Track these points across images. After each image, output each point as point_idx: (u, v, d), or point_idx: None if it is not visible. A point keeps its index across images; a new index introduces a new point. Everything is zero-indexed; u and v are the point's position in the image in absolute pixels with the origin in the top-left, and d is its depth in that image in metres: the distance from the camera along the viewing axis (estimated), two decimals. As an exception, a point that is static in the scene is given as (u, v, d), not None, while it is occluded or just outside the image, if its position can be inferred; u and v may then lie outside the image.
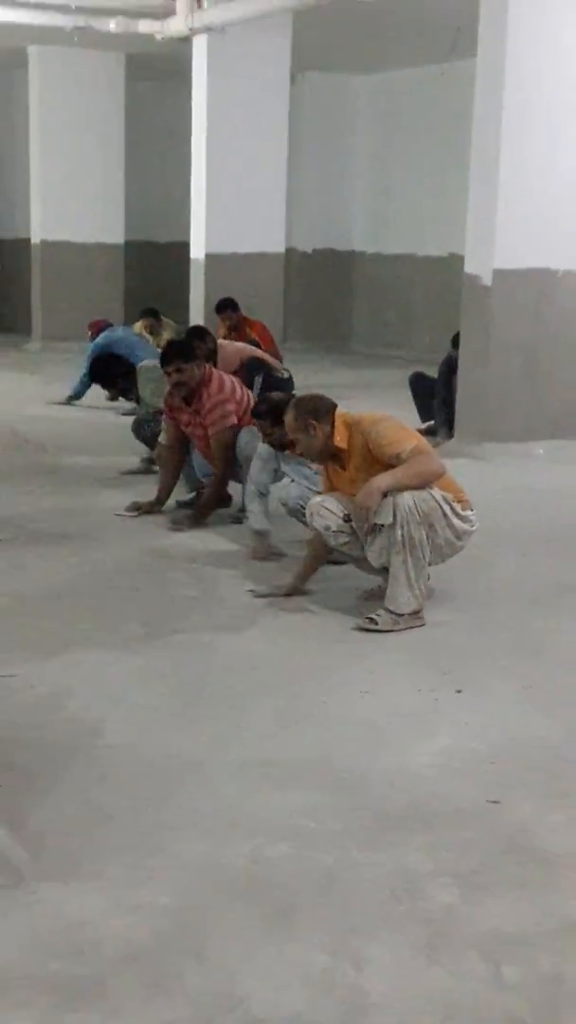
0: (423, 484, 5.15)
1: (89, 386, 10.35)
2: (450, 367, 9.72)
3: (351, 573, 5.71)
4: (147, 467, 8.17)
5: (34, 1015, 2.65)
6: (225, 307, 11.20)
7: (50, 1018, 2.64)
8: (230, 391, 6.90)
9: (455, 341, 9.80)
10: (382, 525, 5.12)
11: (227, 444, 6.84)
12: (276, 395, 6.56)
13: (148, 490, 7.37)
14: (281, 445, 6.12)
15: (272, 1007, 2.70)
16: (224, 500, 7.09)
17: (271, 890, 3.18)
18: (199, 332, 9.05)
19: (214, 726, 4.23)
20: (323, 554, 5.59)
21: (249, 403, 6.93)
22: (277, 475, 6.35)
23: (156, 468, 7.83)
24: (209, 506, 6.98)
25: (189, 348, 7.17)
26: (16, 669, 4.60)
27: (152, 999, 2.72)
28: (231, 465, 6.90)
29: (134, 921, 3.01)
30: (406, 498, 5.08)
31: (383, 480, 5.07)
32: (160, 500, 7.22)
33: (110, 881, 3.20)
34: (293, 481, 6.23)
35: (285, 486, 6.33)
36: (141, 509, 7.13)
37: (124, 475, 8.18)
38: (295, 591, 5.60)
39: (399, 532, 5.09)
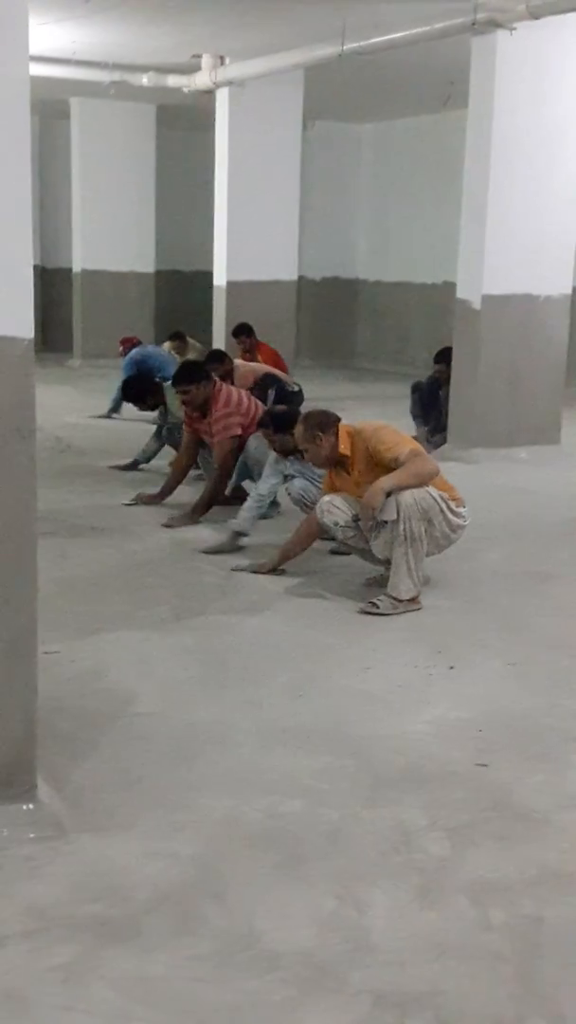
0: (421, 483, 5.15)
1: (123, 401, 10.36)
2: (435, 382, 9.71)
3: (355, 563, 5.71)
4: (133, 465, 8.29)
5: (75, 951, 2.65)
6: (241, 332, 11.13)
7: (89, 954, 2.64)
8: (235, 405, 6.88)
9: (438, 357, 9.81)
10: (386, 521, 5.12)
11: (227, 451, 6.84)
12: (279, 407, 6.58)
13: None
14: (284, 451, 6.11)
15: (285, 944, 2.70)
16: (218, 502, 6.94)
17: (284, 842, 3.18)
18: (218, 356, 9.05)
19: (235, 696, 4.22)
20: (306, 544, 5.64)
21: (257, 413, 6.89)
22: (287, 478, 6.30)
23: (143, 467, 8.19)
24: (203, 506, 6.86)
25: (195, 370, 7.15)
26: (58, 646, 4.59)
27: (180, 937, 2.72)
28: (229, 471, 6.91)
29: (163, 868, 3.01)
30: (407, 496, 5.09)
31: (386, 482, 5.08)
32: (163, 494, 7.26)
33: (142, 833, 3.19)
34: (298, 477, 6.21)
35: (291, 481, 6.30)
36: (142, 499, 7.22)
37: (111, 469, 8.33)
38: (274, 570, 5.66)
39: (401, 527, 5.09)
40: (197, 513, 6.84)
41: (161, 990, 2.52)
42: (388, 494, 5.07)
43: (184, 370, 7.26)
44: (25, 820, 3.12)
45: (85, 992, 2.50)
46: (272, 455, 6.28)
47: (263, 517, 6.52)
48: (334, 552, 5.87)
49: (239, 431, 6.83)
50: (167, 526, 6.73)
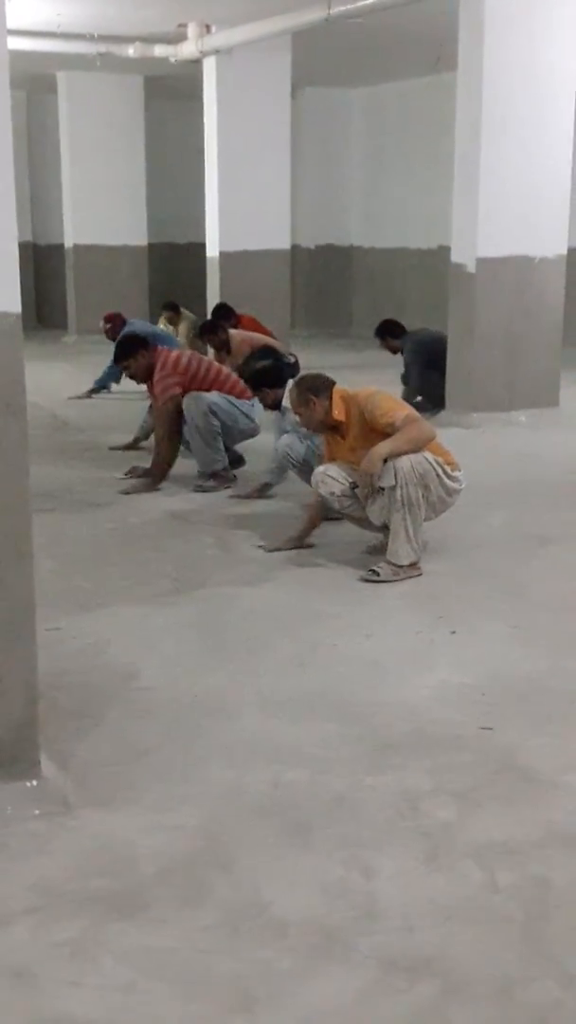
0: (418, 448, 5.13)
1: (112, 375, 10.29)
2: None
3: (355, 531, 5.69)
4: (134, 443, 8.19)
5: (82, 924, 2.65)
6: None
7: (96, 928, 2.64)
8: (171, 366, 6.97)
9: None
10: (383, 488, 5.11)
11: (167, 413, 6.95)
12: (260, 364, 6.65)
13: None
14: (268, 406, 6.45)
15: (292, 912, 2.70)
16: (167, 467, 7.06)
17: (289, 811, 3.18)
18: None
19: (237, 667, 4.22)
20: (320, 516, 5.67)
21: (203, 372, 7.05)
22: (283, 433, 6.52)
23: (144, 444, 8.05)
24: (159, 471, 7.01)
25: (129, 345, 7.26)
26: (60, 623, 4.58)
27: (187, 908, 2.73)
28: (174, 432, 7.00)
29: (169, 840, 3.02)
30: (404, 462, 5.07)
31: (383, 448, 5.06)
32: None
33: (147, 806, 3.20)
34: (287, 433, 6.38)
35: (280, 437, 6.51)
36: (134, 473, 7.23)
37: (112, 450, 8.20)
38: (300, 544, 5.66)
39: (399, 492, 5.08)
40: (155, 480, 6.97)
41: (169, 962, 2.53)
42: (385, 460, 5.06)
43: (119, 346, 7.43)
44: (30, 797, 3.13)
45: (93, 966, 2.51)
46: (275, 413, 6.57)
47: (202, 490, 6.92)
48: (325, 518, 5.88)
49: (178, 390, 6.94)
50: (125, 493, 6.88)
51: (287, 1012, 2.38)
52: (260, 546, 5.70)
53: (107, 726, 3.70)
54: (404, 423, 5.12)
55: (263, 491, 6.69)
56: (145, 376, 7.10)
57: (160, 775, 3.38)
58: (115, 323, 10.60)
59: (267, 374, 6.61)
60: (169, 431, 6.99)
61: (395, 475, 5.06)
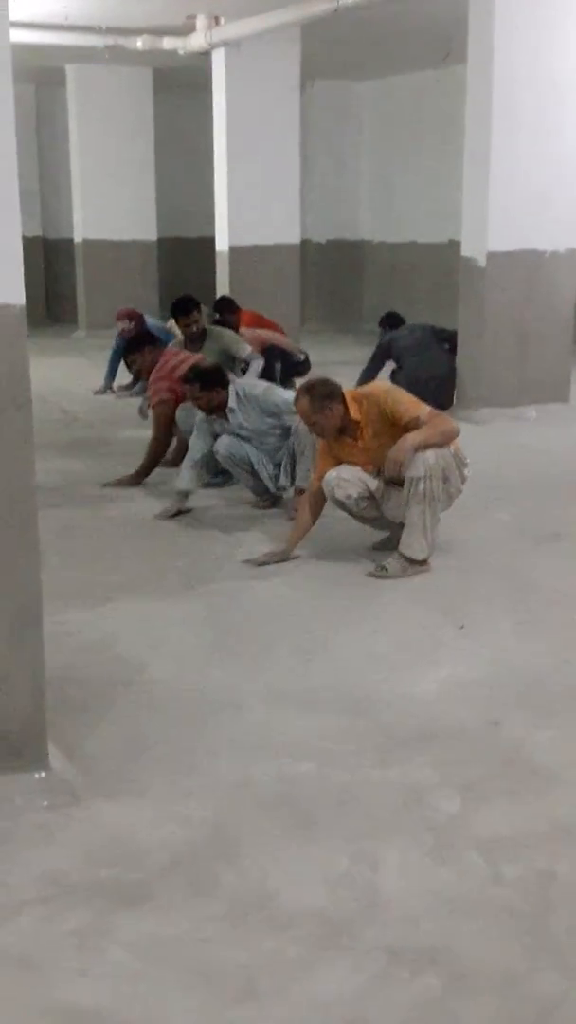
0: (447, 442, 5.21)
1: (119, 362, 10.22)
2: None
3: (362, 528, 5.69)
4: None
5: (89, 916, 2.69)
6: (224, 312, 10.12)
7: (103, 918, 2.68)
8: (168, 373, 6.94)
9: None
10: (398, 482, 5.16)
11: (157, 416, 6.94)
12: (205, 363, 6.55)
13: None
14: (210, 409, 6.19)
15: (298, 904, 2.74)
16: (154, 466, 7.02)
17: (296, 803, 3.21)
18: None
19: (244, 661, 4.25)
20: (312, 523, 5.50)
21: None
22: (216, 438, 6.31)
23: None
24: (144, 469, 6.98)
25: (138, 341, 7.28)
26: (69, 617, 4.61)
27: (193, 899, 2.76)
28: (163, 436, 6.96)
29: (176, 832, 3.05)
30: (431, 455, 5.13)
31: (414, 438, 5.10)
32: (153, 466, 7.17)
33: (154, 798, 3.23)
34: (223, 435, 6.26)
35: (218, 441, 6.30)
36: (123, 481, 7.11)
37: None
38: (287, 557, 5.46)
39: (422, 485, 5.12)
40: (139, 475, 6.98)
41: (175, 952, 2.56)
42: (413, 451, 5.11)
43: (130, 342, 7.44)
44: (38, 788, 3.16)
45: (99, 956, 2.55)
46: (199, 416, 6.33)
47: (211, 485, 6.68)
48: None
49: (168, 396, 6.89)
50: (107, 486, 6.89)
51: (292, 1002, 2.42)
52: (247, 561, 5.47)
53: (115, 718, 3.73)
54: (430, 417, 5.18)
55: (183, 501, 6.36)
56: (149, 373, 7.13)
57: (167, 767, 3.41)
58: (137, 321, 10.50)
59: (222, 374, 6.30)
60: (157, 433, 7.00)
61: (422, 466, 5.10)
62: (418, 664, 4.22)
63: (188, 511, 6.34)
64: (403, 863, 2.91)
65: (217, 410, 6.19)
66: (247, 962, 2.53)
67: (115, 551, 5.72)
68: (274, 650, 4.36)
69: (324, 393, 5.29)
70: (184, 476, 6.33)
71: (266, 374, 8.24)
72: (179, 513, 6.30)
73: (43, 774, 3.19)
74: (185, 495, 6.36)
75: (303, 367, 9.37)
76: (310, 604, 4.92)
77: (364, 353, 12.41)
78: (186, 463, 6.36)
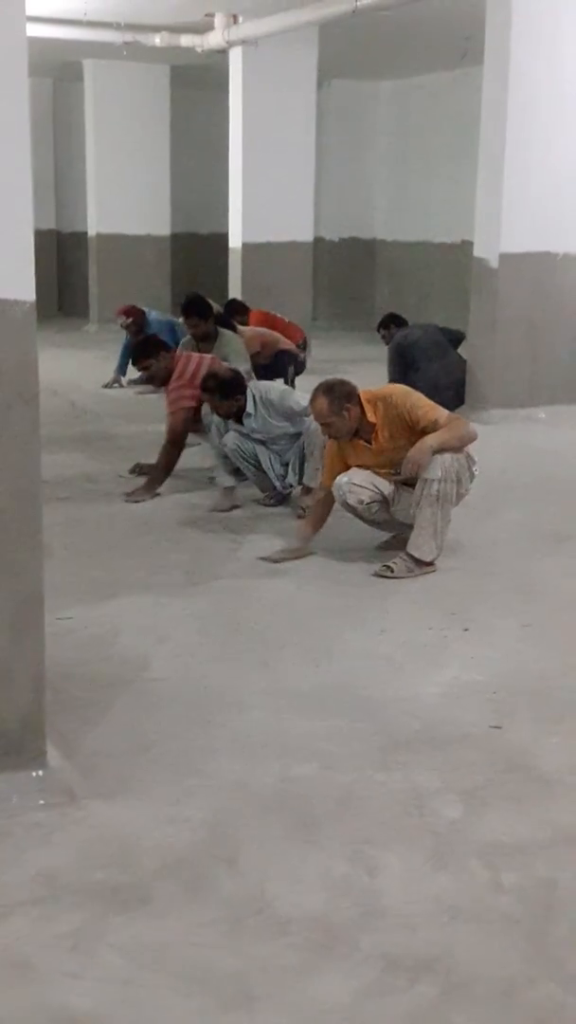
0: (465, 445, 5.20)
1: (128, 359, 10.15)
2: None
3: (369, 528, 5.64)
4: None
5: (84, 918, 2.64)
6: (230, 314, 9.92)
7: (98, 920, 2.64)
8: (189, 379, 6.76)
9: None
10: (409, 483, 5.15)
11: (176, 422, 6.73)
12: (224, 371, 6.49)
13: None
14: (228, 415, 6.26)
15: (296, 908, 2.69)
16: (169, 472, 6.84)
17: (296, 806, 3.16)
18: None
19: (248, 660, 4.21)
20: (320, 522, 5.51)
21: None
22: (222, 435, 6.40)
23: None
24: (158, 477, 6.72)
25: (150, 347, 7.09)
26: (71, 612, 4.58)
27: (190, 902, 2.71)
28: (179, 442, 6.77)
29: (174, 833, 3.00)
30: (448, 458, 5.12)
31: (433, 440, 5.09)
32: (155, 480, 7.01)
33: (153, 798, 3.19)
34: (230, 432, 6.31)
35: (224, 436, 6.36)
36: (139, 469, 7.08)
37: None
38: (302, 553, 5.47)
39: (436, 487, 5.10)
40: (153, 483, 6.70)
41: (170, 956, 2.52)
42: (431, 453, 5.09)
43: (140, 346, 7.26)
44: (35, 787, 3.12)
45: (93, 959, 2.50)
46: (214, 424, 6.37)
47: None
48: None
49: (191, 403, 6.71)
50: (131, 500, 6.55)
51: (287, 1009, 2.37)
52: (263, 558, 5.45)
53: (115, 717, 3.69)
54: (449, 420, 5.17)
55: (232, 495, 6.45)
56: (163, 380, 6.91)
57: (167, 767, 3.36)
58: (137, 318, 10.45)
59: (240, 381, 6.33)
60: (173, 439, 6.77)
61: (439, 468, 5.08)
62: (423, 666, 4.17)
63: (239, 506, 6.40)
64: (403, 869, 2.86)
65: (235, 415, 6.25)
66: (242, 968, 2.48)
67: (120, 546, 5.68)
68: (278, 649, 4.32)
69: (343, 394, 5.23)
70: (222, 475, 6.44)
71: (279, 377, 8.26)
72: (233, 508, 6.38)
73: (40, 773, 3.15)
74: (231, 490, 6.45)
75: (301, 367, 9.31)
76: (316, 603, 4.87)
77: (374, 352, 12.41)
78: (216, 465, 6.48)
